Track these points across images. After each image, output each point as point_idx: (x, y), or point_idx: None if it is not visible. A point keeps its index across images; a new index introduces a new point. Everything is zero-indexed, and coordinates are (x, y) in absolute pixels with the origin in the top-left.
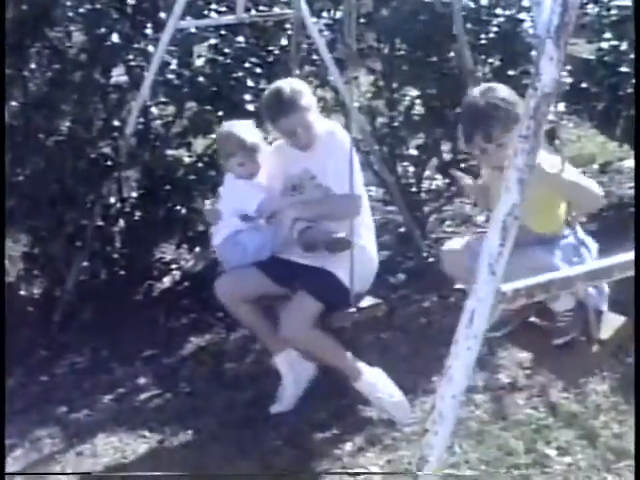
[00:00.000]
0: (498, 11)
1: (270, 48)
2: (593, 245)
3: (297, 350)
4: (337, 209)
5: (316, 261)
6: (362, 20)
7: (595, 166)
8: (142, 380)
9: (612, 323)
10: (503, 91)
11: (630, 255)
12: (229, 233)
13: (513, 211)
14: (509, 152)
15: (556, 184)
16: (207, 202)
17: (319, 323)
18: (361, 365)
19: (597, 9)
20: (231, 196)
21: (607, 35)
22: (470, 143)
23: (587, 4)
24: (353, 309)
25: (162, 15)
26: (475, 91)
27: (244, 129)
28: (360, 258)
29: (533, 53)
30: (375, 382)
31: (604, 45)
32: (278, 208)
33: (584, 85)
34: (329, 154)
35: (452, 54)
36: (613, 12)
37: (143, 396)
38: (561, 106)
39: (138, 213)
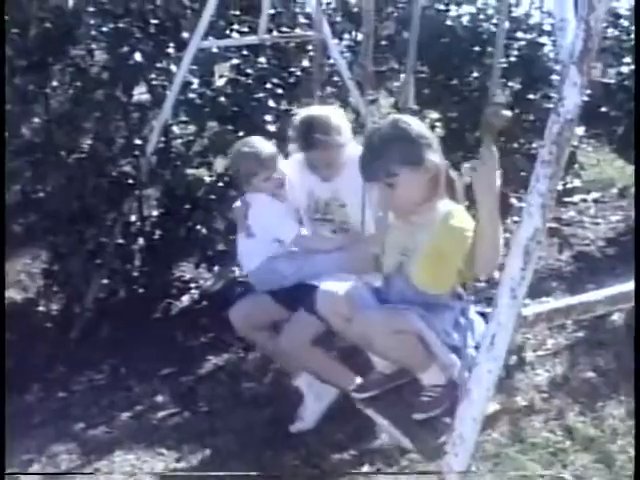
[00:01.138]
0: (519, 35)
1: (291, 69)
2: (480, 326)
3: (298, 366)
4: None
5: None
6: (383, 42)
7: (614, 190)
8: (160, 398)
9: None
10: (407, 124)
11: None
12: (264, 259)
13: (536, 236)
14: (401, 197)
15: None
16: (236, 204)
17: (321, 342)
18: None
19: (617, 33)
20: (264, 218)
21: (627, 59)
22: (363, 179)
23: (607, 28)
24: None
25: (185, 35)
26: (381, 123)
27: (257, 144)
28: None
29: (554, 77)
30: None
31: (624, 69)
32: (315, 249)
33: (604, 109)
34: (359, 182)
35: (472, 77)
36: (633, 36)
37: (161, 414)
38: (580, 130)
39: (158, 232)
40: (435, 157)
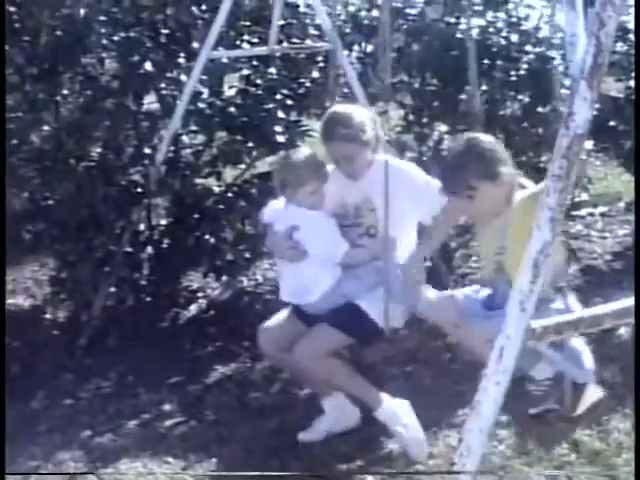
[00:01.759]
0: (528, 48)
1: (301, 80)
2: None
3: (315, 377)
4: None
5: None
6: (393, 54)
7: (621, 204)
8: (167, 406)
9: (588, 398)
10: (482, 141)
11: None
12: (332, 284)
13: (545, 249)
14: (480, 208)
15: None
16: (280, 241)
17: (342, 354)
18: (383, 395)
19: (626, 47)
20: (321, 238)
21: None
22: (443, 192)
23: (616, 42)
24: (383, 343)
25: (195, 45)
26: (457, 139)
27: (307, 153)
28: (398, 295)
29: (563, 91)
30: (396, 412)
31: (632, 83)
32: (361, 261)
33: (612, 123)
34: (383, 186)
35: (482, 90)
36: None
37: (168, 422)
38: (589, 144)
39: (166, 240)
40: (509, 170)
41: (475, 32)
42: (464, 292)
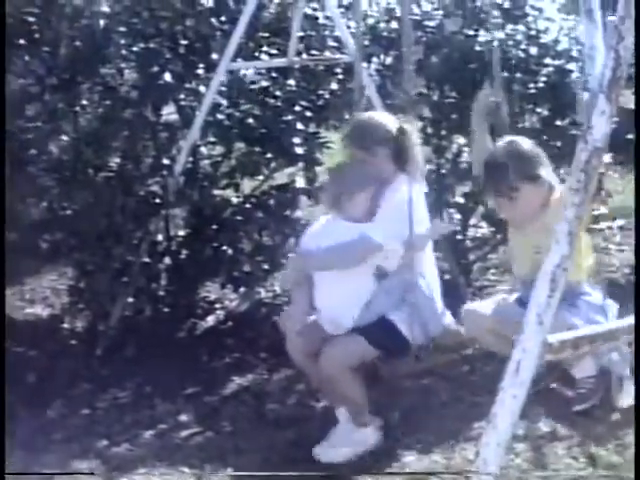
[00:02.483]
0: (547, 61)
1: (320, 92)
2: (613, 306)
3: (335, 386)
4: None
5: None
6: (412, 67)
7: None
8: (184, 417)
9: (633, 391)
10: (523, 144)
11: None
12: (364, 305)
13: (562, 263)
14: (521, 208)
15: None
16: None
17: (365, 368)
18: (369, 419)
19: None
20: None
21: None
22: (485, 193)
23: (632, 52)
24: (410, 359)
25: (214, 56)
26: (498, 144)
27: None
28: (426, 310)
29: (582, 104)
30: (365, 441)
31: None
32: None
33: (630, 136)
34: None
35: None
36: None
37: (184, 433)
38: (607, 157)
39: (184, 251)
40: (548, 173)
41: (494, 44)
42: (495, 300)
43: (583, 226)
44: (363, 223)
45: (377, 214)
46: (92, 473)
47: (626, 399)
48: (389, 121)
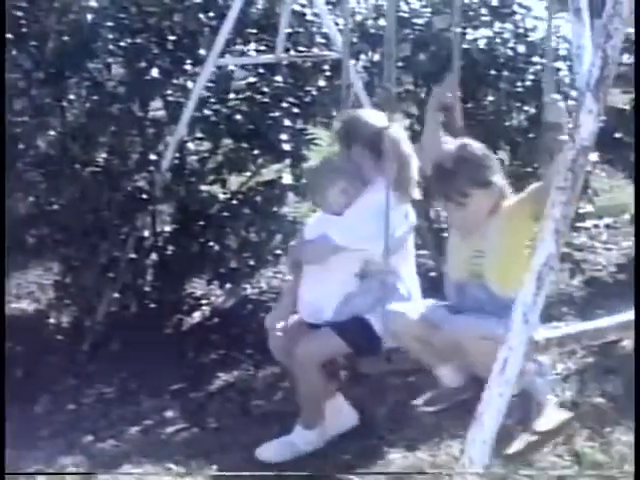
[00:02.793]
0: (535, 59)
1: (307, 88)
2: None
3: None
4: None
5: None
6: (399, 64)
7: (626, 216)
8: (169, 413)
9: (555, 417)
10: (475, 148)
11: None
12: (343, 297)
13: (549, 261)
14: (470, 214)
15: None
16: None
17: (335, 364)
18: (320, 422)
19: (632, 59)
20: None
21: None
22: (434, 196)
23: (622, 54)
24: (380, 359)
25: (202, 51)
26: (449, 146)
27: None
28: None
29: (569, 103)
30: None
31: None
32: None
33: (617, 135)
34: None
35: (488, 100)
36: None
37: (170, 429)
38: (594, 156)
39: (171, 247)
40: (499, 179)
41: (482, 43)
42: (424, 303)
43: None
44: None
45: (345, 212)
46: (93, 473)
47: (544, 424)
48: (375, 120)
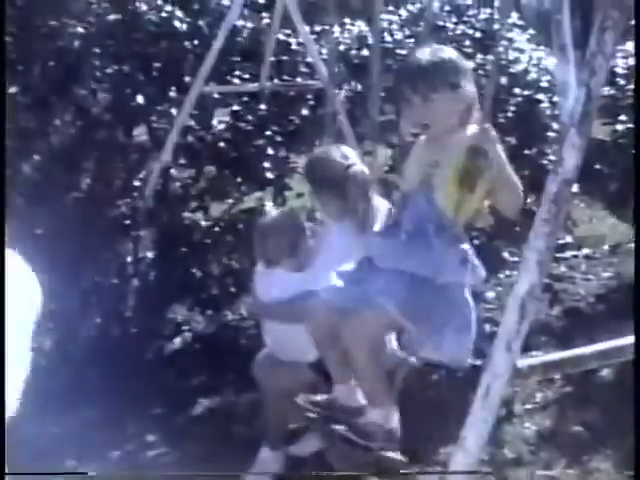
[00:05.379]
0: (516, 91)
1: (291, 117)
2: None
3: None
4: None
5: None
6: (382, 94)
7: (605, 247)
8: (151, 437)
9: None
10: (448, 52)
11: None
12: None
13: (532, 291)
14: (438, 116)
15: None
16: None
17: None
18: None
19: (613, 91)
20: None
21: (622, 117)
22: (399, 96)
23: (603, 86)
24: None
25: (187, 79)
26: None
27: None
28: None
29: (549, 134)
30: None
31: (619, 127)
32: None
33: (597, 166)
34: None
35: None
36: (629, 94)
37: (151, 453)
38: (574, 187)
39: (153, 273)
40: (470, 86)
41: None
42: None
43: None
44: (298, 273)
45: (314, 264)
46: (92, 473)
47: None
48: (343, 158)
